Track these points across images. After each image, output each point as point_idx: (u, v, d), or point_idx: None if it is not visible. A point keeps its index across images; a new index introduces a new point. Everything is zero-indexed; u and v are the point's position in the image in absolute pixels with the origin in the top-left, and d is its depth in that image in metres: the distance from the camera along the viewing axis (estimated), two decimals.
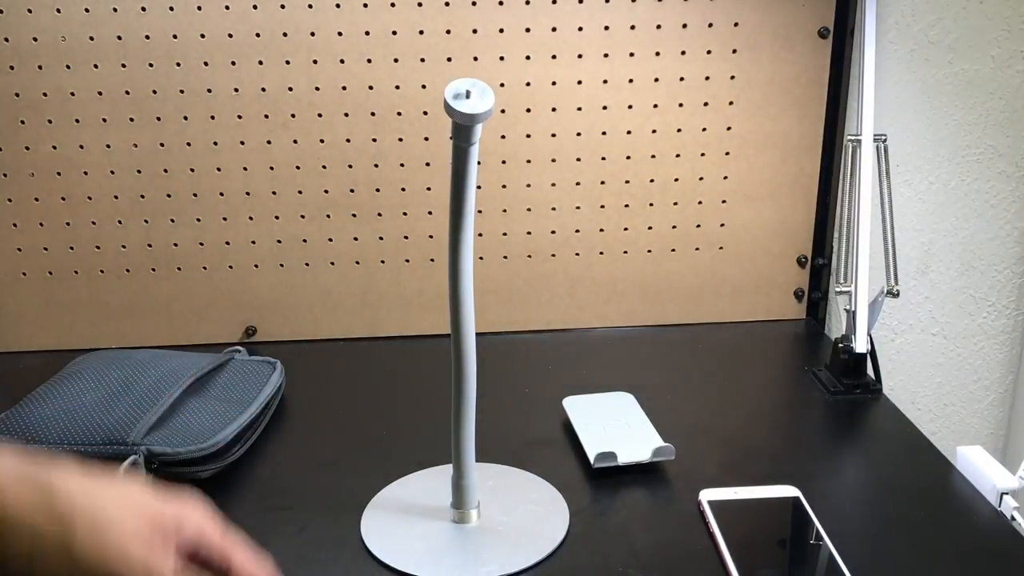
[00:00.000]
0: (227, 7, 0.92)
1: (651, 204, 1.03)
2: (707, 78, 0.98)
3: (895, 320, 1.10)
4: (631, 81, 0.98)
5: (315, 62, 0.95)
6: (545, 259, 1.04)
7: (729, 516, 0.69)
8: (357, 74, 0.95)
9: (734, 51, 0.98)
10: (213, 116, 0.96)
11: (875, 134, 0.90)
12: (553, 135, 0.99)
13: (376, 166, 0.99)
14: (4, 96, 0.94)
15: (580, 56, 0.96)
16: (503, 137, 0.99)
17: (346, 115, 0.97)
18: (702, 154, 1.01)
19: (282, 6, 0.93)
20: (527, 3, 0.94)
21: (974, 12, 0.98)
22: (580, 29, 0.95)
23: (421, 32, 0.94)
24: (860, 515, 0.71)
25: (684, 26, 0.96)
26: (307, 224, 1.01)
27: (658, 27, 0.96)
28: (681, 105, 0.99)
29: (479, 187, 1.00)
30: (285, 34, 0.94)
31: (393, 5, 0.93)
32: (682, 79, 0.98)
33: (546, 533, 0.68)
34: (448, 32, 0.94)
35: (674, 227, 1.04)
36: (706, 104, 0.99)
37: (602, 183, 1.02)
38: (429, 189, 1.00)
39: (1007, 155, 1.04)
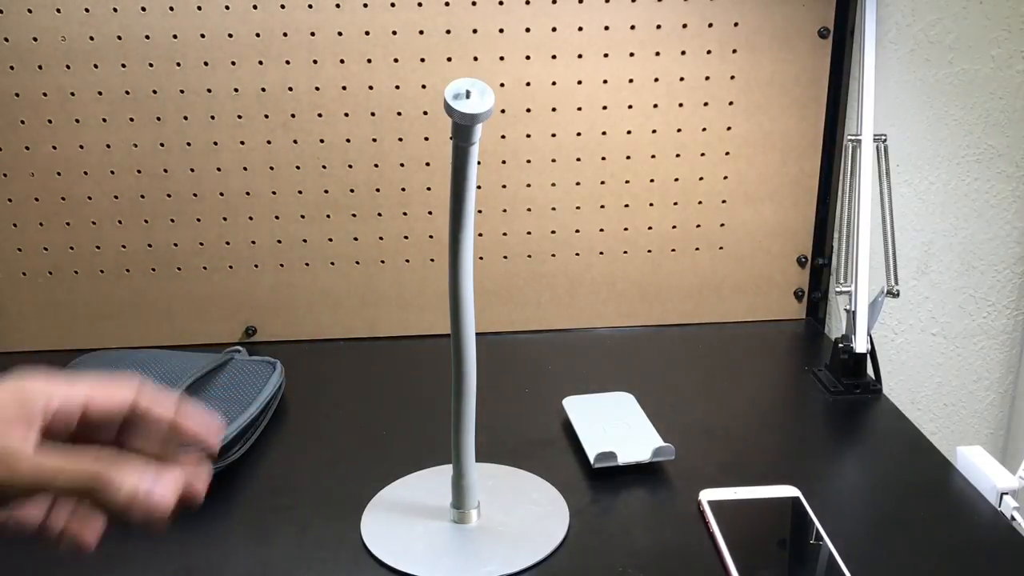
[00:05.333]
0: (227, 7, 0.92)
1: (651, 204, 1.03)
2: (707, 78, 0.98)
3: (895, 320, 1.10)
4: (631, 81, 0.98)
5: (315, 62, 0.95)
6: (545, 259, 1.04)
7: (729, 516, 0.69)
8: (357, 74, 0.95)
9: (734, 51, 0.98)
10: (213, 116, 0.96)
11: (875, 134, 0.90)
12: (553, 135, 0.99)
13: (376, 166, 0.99)
14: (4, 96, 0.93)
15: (580, 56, 0.96)
16: (503, 137, 0.99)
17: (346, 115, 0.97)
18: (702, 154, 1.01)
19: (282, 6, 0.93)
20: (527, 3, 0.94)
21: (974, 12, 0.98)
22: (580, 29, 0.95)
23: (421, 32, 0.94)
24: (860, 515, 0.71)
25: (684, 26, 0.96)
26: (307, 224, 1.01)
27: (658, 27, 0.96)
28: (681, 105, 0.99)
29: (479, 187, 1.00)
30: (285, 34, 0.94)
31: (393, 5, 0.93)
32: (682, 79, 0.98)
33: (546, 533, 0.68)
34: (448, 32, 0.94)
35: (674, 227, 1.04)
36: (706, 104, 0.99)
37: (602, 183, 1.02)
38: (429, 189, 1.00)
39: (1007, 155, 1.04)
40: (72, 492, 0.43)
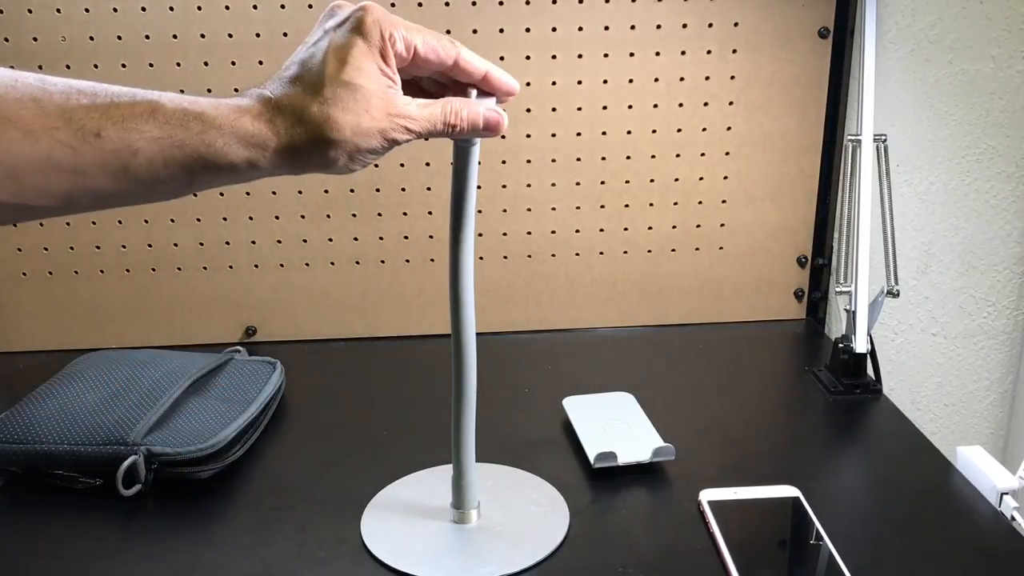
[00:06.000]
0: (227, 7, 0.92)
1: (651, 204, 1.03)
2: (707, 78, 0.98)
3: (895, 320, 1.10)
4: (631, 81, 0.98)
5: None
6: (545, 259, 1.04)
7: (729, 516, 0.69)
8: None
9: (734, 51, 0.98)
10: None
11: (875, 134, 0.90)
12: (553, 135, 0.99)
13: (376, 166, 0.99)
14: None
15: (580, 56, 0.96)
16: (503, 137, 0.99)
17: None
18: (702, 154, 1.01)
19: (282, 6, 0.93)
20: (527, 3, 0.94)
21: (974, 12, 0.98)
22: (580, 29, 0.95)
23: None
24: (860, 515, 0.71)
25: (684, 26, 0.96)
26: (307, 224, 1.01)
27: (658, 27, 0.96)
28: (681, 105, 0.99)
29: (479, 187, 1.00)
30: (285, 34, 0.94)
31: (393, 5, 0.93)
32: (682, 79, 0.98)
33: (546, 533, 0.68)
34: (448, 32, 0.94)
35: (674, 227, 1.04)
36: (706, 104, 0.99)
37: (602, 183, 1.02)
38: (429, 189, 1.00)
39: (1007, 155, 1.04)
40: (433, 127, 0.53)
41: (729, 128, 1.01)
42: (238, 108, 0.49)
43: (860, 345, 0.89)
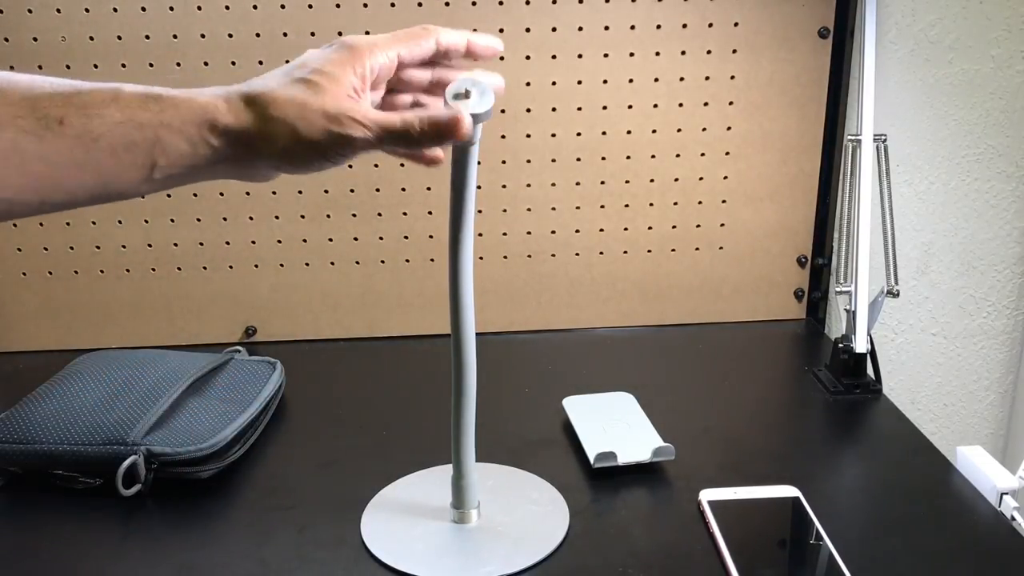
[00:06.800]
0: (227, 7, 0.92)
1: (651, 204, 1.03)
2: (707, 78, 0.98)
3: (895, 320, 1.10)
4: (631, 81, 0.98)
5: None
6: (545, 259, 1.04)
7: (729, 516, 0.69)
8: None
9: (734, 51, 0.98)
10: None
11: (875, 134, 0.90)
12: (553, 135, 0.99)
13: (376, 166, 0.99)
14: None
15: (580, 56, 0.96)
16: (503, 137, 0.99)
17: None
18: (702, 154, 1.01)
19: (282, 6, 0.93)
20: (527, 3, 0.94)
21: (974, 12, 0.98)
22: (580, 29, 0.95)
23: None
24: (860, 515, 0.71)
25: (684, 26, 0.96)
26: (307, 224, 1.01)
27: (658, 27, 0.96)
28: (681, 105, 0.99)
29: (479, 187, 1.00)
30: (285, 34, 0.94)
31: (393, 5, 0.93)
32: (682, 79, 0.98)
33: (546, 533, 0.68)
34: None
35: (674, 227, 1.04)
36: (706, 104, 0.99)
37: (602, 183, 1.02)
38: (429, 189, 1.00)
39: (1007, 155, 1.04)
40: (394, 137, 0.53)
41: (729, 128, 1.01)
42: (198, 91, 0.51)
43: (860, 345, 0.89)
